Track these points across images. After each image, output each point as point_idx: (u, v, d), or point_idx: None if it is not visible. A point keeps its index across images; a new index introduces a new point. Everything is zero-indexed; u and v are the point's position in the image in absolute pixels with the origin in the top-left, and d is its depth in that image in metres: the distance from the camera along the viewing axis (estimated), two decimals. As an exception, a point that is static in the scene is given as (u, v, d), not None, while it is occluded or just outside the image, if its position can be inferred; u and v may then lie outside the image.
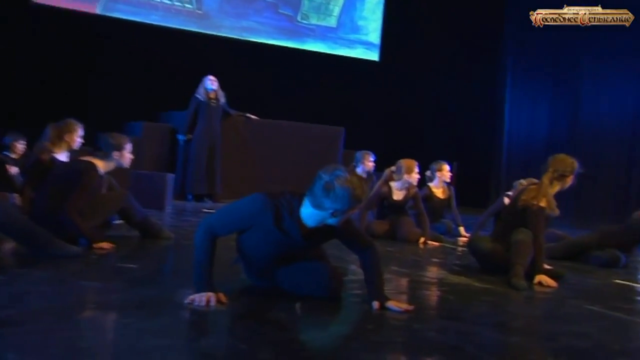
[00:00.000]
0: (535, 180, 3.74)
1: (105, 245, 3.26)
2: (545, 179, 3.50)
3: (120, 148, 3.49)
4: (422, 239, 4.77)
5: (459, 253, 4.46)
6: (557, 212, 3.46)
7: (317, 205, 2.20)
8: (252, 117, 7.47)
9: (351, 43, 9.67)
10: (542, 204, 3.43)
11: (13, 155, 5.44)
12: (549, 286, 3.24)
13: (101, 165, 3.46)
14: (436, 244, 4.81)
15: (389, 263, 3.67)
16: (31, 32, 7.55)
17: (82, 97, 7.72)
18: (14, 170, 4.34)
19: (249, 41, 8.95)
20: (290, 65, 9.21)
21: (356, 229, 2.45)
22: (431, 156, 6.20)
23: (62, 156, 4.08)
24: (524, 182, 4.61)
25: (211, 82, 7.04)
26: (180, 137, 7.13)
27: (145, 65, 8.22)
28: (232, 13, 8.79)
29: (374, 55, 9.87)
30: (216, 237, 2.29)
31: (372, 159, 6.15)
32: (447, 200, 5.58)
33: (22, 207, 3.75)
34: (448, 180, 5.56)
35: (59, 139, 4.04)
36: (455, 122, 10.01)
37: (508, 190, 5.51)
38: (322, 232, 2.34)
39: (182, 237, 3.97)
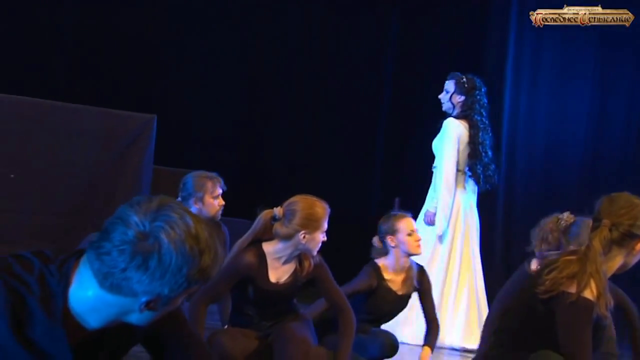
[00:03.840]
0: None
1: None
2: (596, 242, 3.62)
3: None
4: None
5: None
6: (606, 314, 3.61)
7: (114, 286, 2.17)
8: None
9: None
10: (589, 292, 3.52)
11: None
12: None
13: None
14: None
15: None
16: None
17: None
18: None
19: None
20: None
21: (193, 338, 2.53)
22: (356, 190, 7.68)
23: None
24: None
25: None
26: None
27: None
28: None
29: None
30: None
31: (220, 189, 6.16)
32: (406, 298, 5.82)
33: None
34: (417, 251, 5.71)
35: None
36: (398, 118, 10.68)
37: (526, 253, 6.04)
38: (114, 339, 2.35)
39: None
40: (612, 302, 3.65)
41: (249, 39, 10.60)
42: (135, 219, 2.18)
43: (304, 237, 4.86)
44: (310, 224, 4.87)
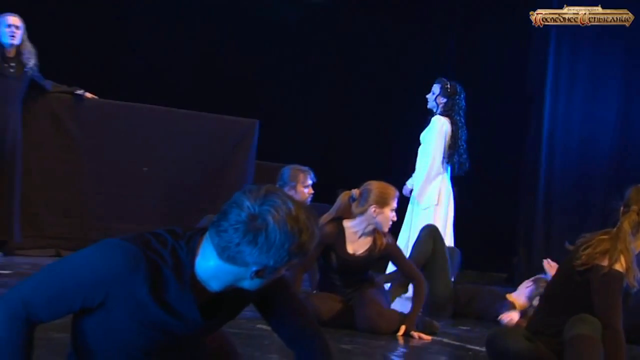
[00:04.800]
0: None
1: None
2: (626, 224, 3.74)
3: None
4: (402, 328, 4.99)
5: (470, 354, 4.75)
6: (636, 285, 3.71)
7: (230, 257, 2.23)
8: (87, 95, 7.42)
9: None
10: (619, 266, 3.64)
11: None
12: None
13: None
14: (428, 338, 5.04)
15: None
16: None
17: None
18: None
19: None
20: (161, 9, 9.73)
21: (296, 300, 2.57)
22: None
23: None
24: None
25: (10, 19, 6.83)
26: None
27: None
28: None
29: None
30: (34, 325, 2.25)
31: (310, 180, 6.39)
32: None
33: None
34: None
35: None
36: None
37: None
38: (231, 301, 2.41)
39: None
40: (638, 274, 3.73)
41: (330, 49, 10.54)
42: (247, 203, 2.23)
43: (374, 211, 5.07)
44: (381, 201, 5.09)
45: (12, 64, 6.77)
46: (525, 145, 10.18)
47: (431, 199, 7.14)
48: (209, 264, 2.28)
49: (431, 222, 6.82)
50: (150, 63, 9.49)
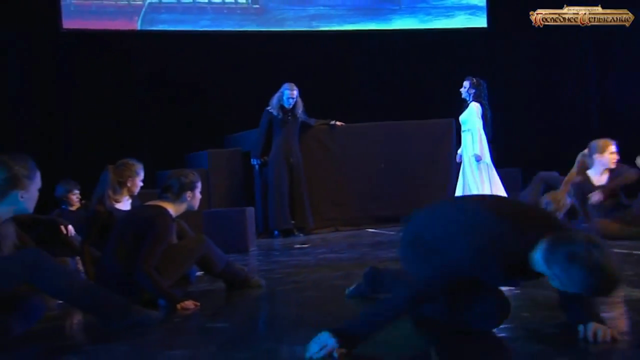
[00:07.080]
0: None
1: (189, 304, 3.51)
2: None
3: (193, 187, 3.78)
4: None
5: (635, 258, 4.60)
6: None
7: (549, 267, 2.22)
8: (337, 123, 8.08)
9: (449, 10, 10.10)
10: None
11: (70, 208, 5.84)
12: None
13: (173, 210, 3.73)
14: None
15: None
16: (65, 62, 8.55)
17: (131, 130, 8.61)
18: (70, 230, 4.61)
19: (320, 32, 9.66)
20: (375, 52, 9.87)
21: None
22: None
23: (124, 204, 4.51)
24: None
25: (290, 93, 7.64)
26: (254, 162, 7.80)
27: (201, 80, 9.02)
28: (294, 1, 9.56)
29: (480, 22, 10.22)
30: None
31: (614, 147, 6.01)
32: None
33: (86, 271, 4.17)
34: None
35: (120, 184, 4.43)
36: (612, 93, 10.24)
37: None
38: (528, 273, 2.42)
39: (274, 283, 4.24)
40: None
41: (491, 66, 9.78)
42: (576, 247, 2.14)
43: (597, 157, 5.65)
44: (599, 149, 5.64)
45: (289, 114, 7.62)
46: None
47: (487, 157, 7.37)
48: (538, 259, 2.25)
49: (490, 173, 7.32)
50: (370, 94, 9.55)
